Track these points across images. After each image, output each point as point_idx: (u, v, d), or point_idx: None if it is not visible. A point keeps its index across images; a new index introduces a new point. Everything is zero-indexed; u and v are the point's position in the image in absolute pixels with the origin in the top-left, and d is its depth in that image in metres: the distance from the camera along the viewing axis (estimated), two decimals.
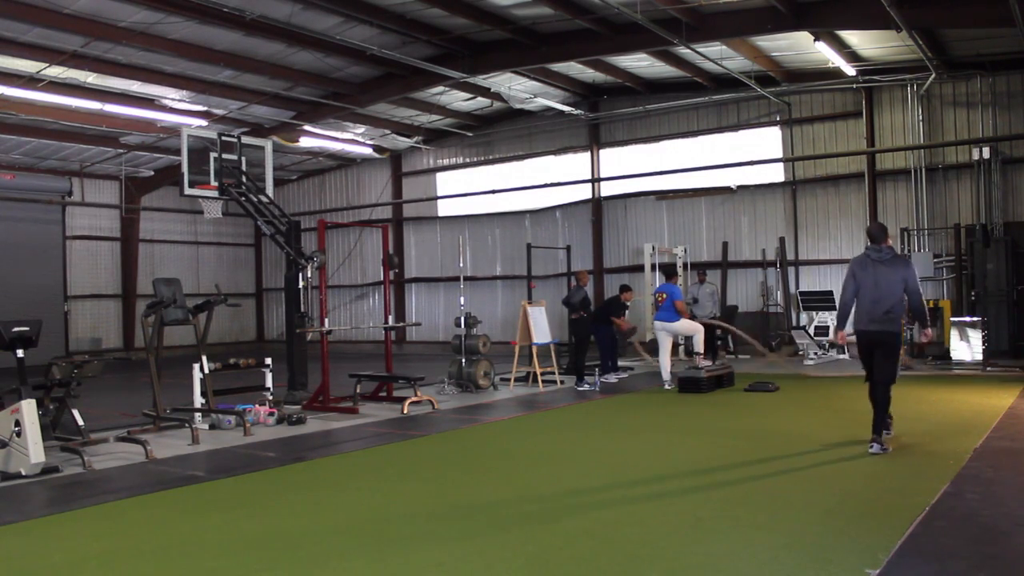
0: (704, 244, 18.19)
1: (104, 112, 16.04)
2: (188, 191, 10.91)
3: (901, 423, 8.55)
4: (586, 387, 12.43)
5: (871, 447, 6.98)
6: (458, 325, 12.63)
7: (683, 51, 14.54)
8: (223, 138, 11.18)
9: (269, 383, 10.41)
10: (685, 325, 12.26)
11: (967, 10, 12.34)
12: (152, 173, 22.01)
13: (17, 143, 18.44)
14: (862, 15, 12.64)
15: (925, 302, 7.63)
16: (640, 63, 16.50)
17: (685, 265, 17.17)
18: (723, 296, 17.48)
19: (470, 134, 20.96)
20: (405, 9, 13.26)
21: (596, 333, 13.49)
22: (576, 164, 20.06)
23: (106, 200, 21.57)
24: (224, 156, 11.00)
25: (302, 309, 11.42)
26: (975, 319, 13.60)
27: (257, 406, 9.80)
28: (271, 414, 9.70)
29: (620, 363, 14.28)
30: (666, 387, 12.08)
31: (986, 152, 14.78)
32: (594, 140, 19.71)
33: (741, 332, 14.25)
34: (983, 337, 13.28)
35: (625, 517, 5.30)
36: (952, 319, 13.96)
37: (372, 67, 15.95)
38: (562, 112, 18.57)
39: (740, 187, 17.66)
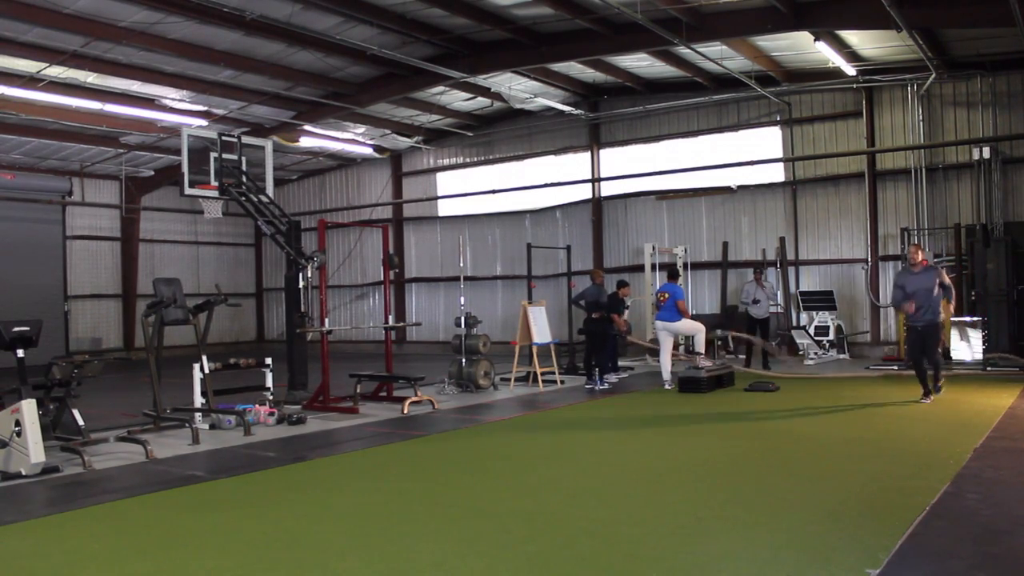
0: (704, 244, 18.17)
1: (104, 112, 16.04)
2: (188, 191, 10.90)
3: (901, 423, 8.58)
4: (605, 385, 12.42)
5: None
6: (458, 325, 12.63)
7: (683, 51, 14.54)
8: (223, 138, 11.17)
9: (269, 383, 10.41)
10: (686, 325, 12.27)
11: (967, 10, 12.33)
12: (152, 173, 22.00)
13: (17, 143, 18.44)
14: (862, 15, 12.64)
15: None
16: (640, 63, 16.50)
17: (685, 265, 17.16)
18: (723, 296, 17.52)
19: (470, 134, 20.95)
20: (405, 9, 13.26)
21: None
22: (576, 164, 20.05)
23: (106, 200, 21.58)
24: (224, 156, 10.99)
25: (302, 309, 11.41)
26: (975, 319, 13.60)
27: (257, 406, 9.80)
28: (271, 414, 9.70)
29: (620, 363, 14.29)
30: (666, 387, 12.08)
31: (986, 152, 14.78)
32: (594, 140, 19.70)
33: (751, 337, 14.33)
34: (983, 337, 13.27)
35: (625, 517, 5.30)
36: (952, 319, 13.95)
37: (372, 67, 15.94)
38: (562, 112, 18.57)
39: (740, 187, 17.65)
